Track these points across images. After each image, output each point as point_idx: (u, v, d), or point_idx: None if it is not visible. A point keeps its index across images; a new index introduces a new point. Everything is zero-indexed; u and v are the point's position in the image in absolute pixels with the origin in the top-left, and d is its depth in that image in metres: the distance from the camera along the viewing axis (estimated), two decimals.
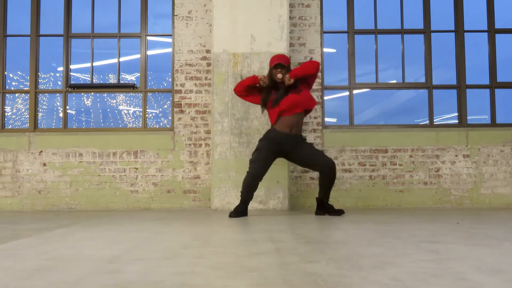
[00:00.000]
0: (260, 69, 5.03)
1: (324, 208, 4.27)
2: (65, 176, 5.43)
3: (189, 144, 5.46)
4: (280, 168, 4.95)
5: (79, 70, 6.75)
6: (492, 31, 5.76)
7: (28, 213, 4.98)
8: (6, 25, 5.74)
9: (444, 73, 7.93)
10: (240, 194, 4.41)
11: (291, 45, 5.49)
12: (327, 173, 4.15)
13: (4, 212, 5.19)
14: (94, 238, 2.72)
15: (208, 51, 5.53)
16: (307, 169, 5.05)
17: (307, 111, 4.36)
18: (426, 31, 5.72)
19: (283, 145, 4.22)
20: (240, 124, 5.00)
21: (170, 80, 5.70)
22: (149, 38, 5.75)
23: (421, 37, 5.79)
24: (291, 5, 5.53)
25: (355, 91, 5.71)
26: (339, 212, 4.22)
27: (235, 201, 4.91)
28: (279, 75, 4.20)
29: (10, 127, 5.83)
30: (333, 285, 1.46)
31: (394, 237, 2.62)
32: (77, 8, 5.76)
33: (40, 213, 4.86)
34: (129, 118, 8.27)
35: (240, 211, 4.15)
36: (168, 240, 2.57)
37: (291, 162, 4.56)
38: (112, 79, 6.50)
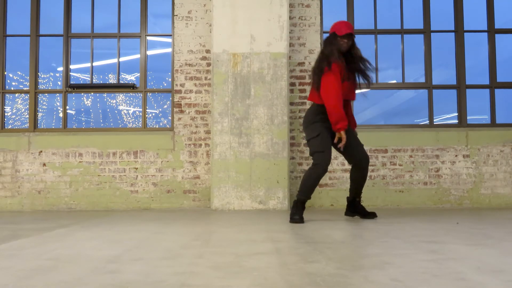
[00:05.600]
0: (260, 69, 5.03)
1: (356, 209, 3.92)
2: (65, 176, 5.43)
3: (189, 144, 5.46)
4: (280, 168, 4.95)
5: (79, 70, 6.75)
6: (492, 31, 5.75)
7: (27, 213, 4.98)
8: (6, 25, 5.73)
9: (444, 73, 7.93)
10: (301, 193, 3.71)
11: (291, 45, 5.49)
12: (363, 168, 3.77)
13: (4, 212, 5.19)
14: (94, 238, 2.72)
15: (208, 51, 5.53)
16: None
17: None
18: (426, 31, 5.72)
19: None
20: (240, 124, 5.00)
21: (170, 80, 5.69)
22: (149, 38, 5.74)
23: (421, 37, 5.79)
24: (291, 5, 5.53)
25: None
26: (372, 215, 3.85)
27: (235, 201, 4.92)
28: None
29: (10, 127, 5.83)
30: (333, 285, 1.46)
31: (394, 237, 2.62)
32: (77, 8, 5.76)
33: (40, 213, 4.86)
34: (129, 118, 8.27)
35: (301, 216, 3.63)
36: (168, 240, 2.57)
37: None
38: (112, 79, 6.49)
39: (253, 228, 3.19)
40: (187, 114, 5.49)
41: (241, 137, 4.99)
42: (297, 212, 3.65)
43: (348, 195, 3.92)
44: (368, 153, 5.46)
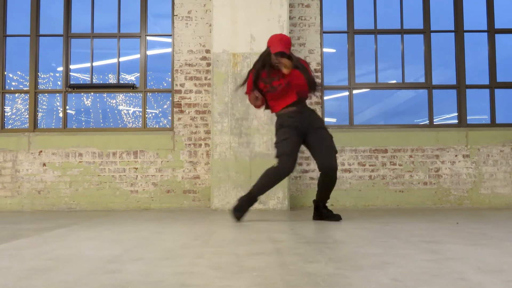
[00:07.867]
0: None
1: (320, 212, 3.80)
2: (64, 176, 5.43)
3: (189, 144, 5.46)
4: None
5: (79, 70, 6.75)
6: (492, 31, 5.75)
7: (27, 213, 4.98)
8: (6, 25, 5.73)
9: (444, 73, 7.93)
10: (254, 188, 3.65)
11: None
12: (321, 174, 3.67)
13: (3, 212, 5.19)
14: (94, 238, 2.71)
15: (208, 51, 5.53)
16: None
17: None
18: (426, 31, 5.72)
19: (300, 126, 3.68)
20: (240, 124, 5.00)
21: (170, 80, 5.69)
22: (148, 38, 5.74)
23: (420, 37, 5.79)
24: (291, 5, 5.53)
25: (355, 91, 5.71)
26: (336, 218, 3.70)
27: (235, 201, 4.91)
28: (283, 68, 3.57)
29: (10, 127, 5.83)
30: (333, 285, 1.46)
31: (394, 237, 2.62)
32: (77, 8, 5.76)
33: (39, 213, 4.86)
34: (129, 118, 8.27)
35: (245, 209, 3.62)
36: (168, 240, 2.57)
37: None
38: (112, 79, 6.50)
39: (253, 228, 3.19)
40: (187, 114, 5.49)
41: (241, 137, 4.99)
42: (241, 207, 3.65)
43: (315, 198, 3.87)
44: (368, 153, 5.46)
